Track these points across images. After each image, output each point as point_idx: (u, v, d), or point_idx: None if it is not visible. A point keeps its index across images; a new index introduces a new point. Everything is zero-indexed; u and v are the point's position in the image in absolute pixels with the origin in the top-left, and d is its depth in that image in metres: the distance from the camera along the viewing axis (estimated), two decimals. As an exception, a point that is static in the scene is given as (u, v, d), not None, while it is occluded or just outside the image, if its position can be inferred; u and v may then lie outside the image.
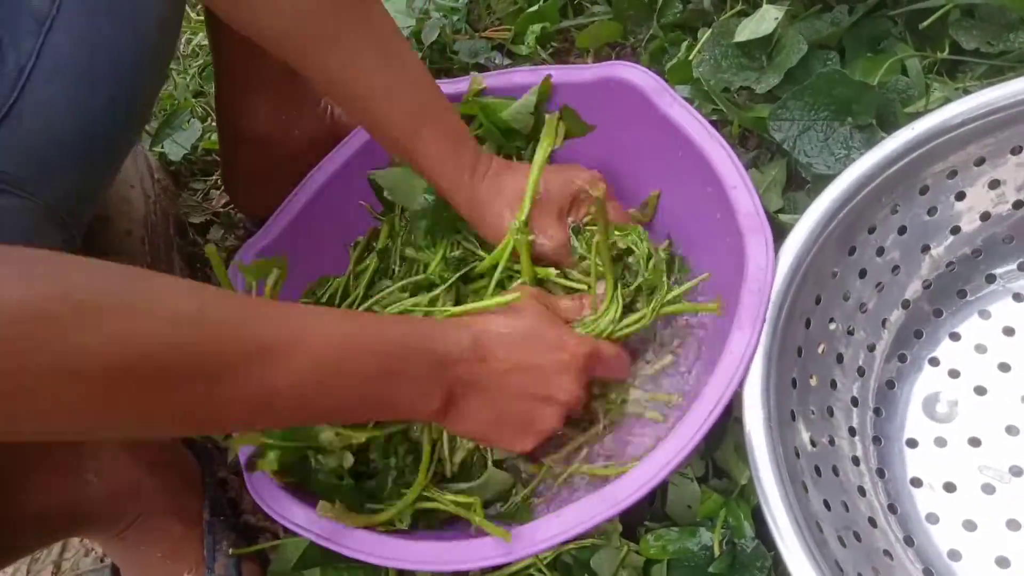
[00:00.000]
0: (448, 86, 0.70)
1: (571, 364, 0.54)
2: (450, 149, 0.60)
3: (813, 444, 0.55)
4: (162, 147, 0.92)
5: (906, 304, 0.62)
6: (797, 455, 0.53)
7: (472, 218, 0.64)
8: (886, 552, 0.54)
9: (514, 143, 0.69)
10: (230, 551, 0.65)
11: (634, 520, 0.59)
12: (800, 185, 0.70)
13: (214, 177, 0.92)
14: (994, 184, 0.60)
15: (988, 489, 0.56)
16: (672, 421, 0.61)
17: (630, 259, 0.64)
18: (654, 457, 0.52)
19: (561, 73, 0.68)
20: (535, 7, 0.86)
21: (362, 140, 0.72)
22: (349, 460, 0.59)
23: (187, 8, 1.04)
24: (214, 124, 0.90)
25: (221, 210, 0.89)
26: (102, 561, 0.75)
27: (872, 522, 0.55)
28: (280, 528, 0.68)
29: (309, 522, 0.56)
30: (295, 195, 0.71)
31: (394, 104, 0.58)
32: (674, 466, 0.51)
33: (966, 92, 0.63)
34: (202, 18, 0.96)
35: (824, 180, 0.58)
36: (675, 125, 0.62)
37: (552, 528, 0.51)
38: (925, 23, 0.68)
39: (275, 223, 0.71)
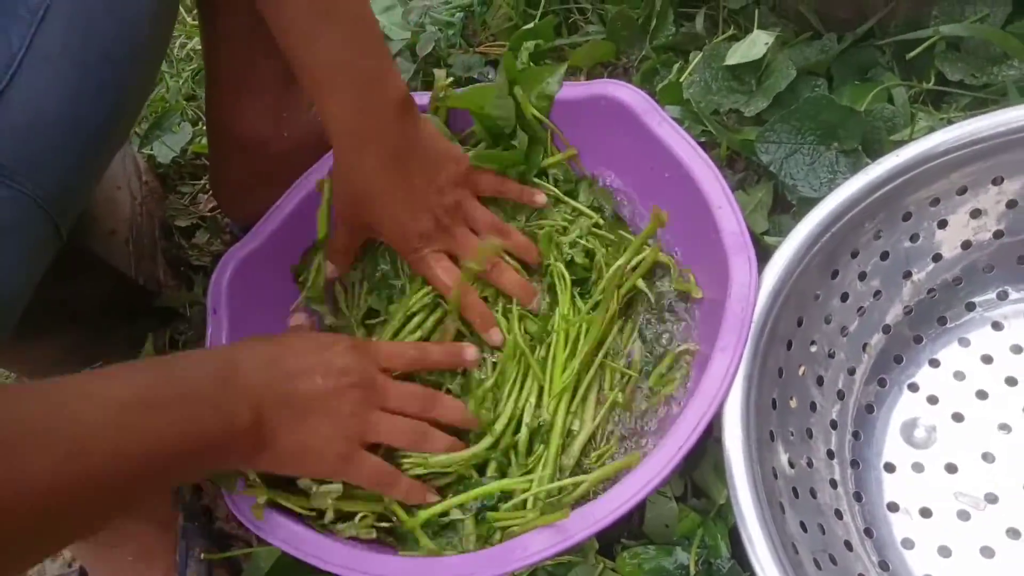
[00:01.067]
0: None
1: (330, 342, 0.55)
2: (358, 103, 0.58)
3: (791, 466, 0.55)
4: (151, 149, 0.91)
5: (887, 329, 0.62)
6: (775, 476, 0.53)
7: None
8: (861, 576, 0.54)
9: (504, 143, 0.68)
10: (202, 556, 0.64)
11: (611, 537, 0.59)
12: (786, 208, 0.70)
13: (202, 181, 0.91)
14: (975, 213, 0.60)
15: (963, 516, 0.56)
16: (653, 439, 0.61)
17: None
18: (634, 476, 0.52)
19: None
20: (530, 24, 0.87)
21: None
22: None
23: (182, 12, 1.04)
24: (205, 128, 0.90)
25: (208, 214, 0.89)
26: (70, 567, 0.74)
27: (848, 545, 0.55)
28: (253, 537, 0.67)
29: (290, 537, 0.56)
30: (283, 201, 0.71)
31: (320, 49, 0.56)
32: (655, 485, 0.51)
33: (950, 122, 0.64)
34: (197, 22, 0.96)
35: (809, 203, 0.59)
36: (663, 144, 0.62)
37: (533, 545, 0.51)
38: (912, 54, 0.70)
39: (262, 228, 0.70)
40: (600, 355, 0.62)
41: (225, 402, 0.49)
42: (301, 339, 0.57)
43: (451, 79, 0.70)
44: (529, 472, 0.59)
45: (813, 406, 0.59)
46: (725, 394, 0.52)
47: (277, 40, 0.58)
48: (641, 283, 0.63)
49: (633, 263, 0.64)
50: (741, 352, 0.53)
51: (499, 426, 0.60)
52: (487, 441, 0.60)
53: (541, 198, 0.68)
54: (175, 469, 0.47)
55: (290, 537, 0.56)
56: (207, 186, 0.91)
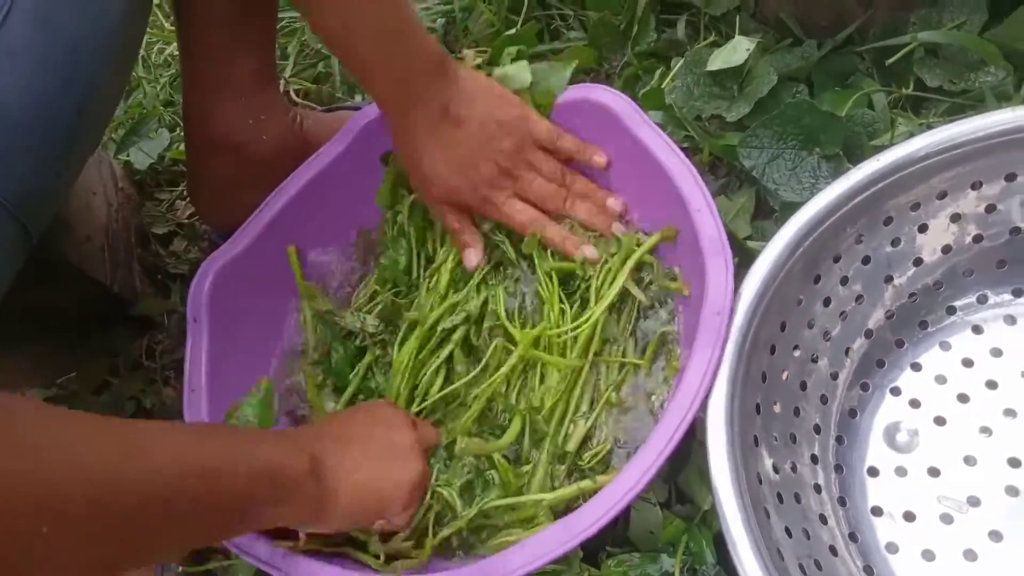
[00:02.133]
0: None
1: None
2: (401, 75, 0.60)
3: (776, 471, 0.55)
4: (128, 155, 0.90)
5: (869, 333, 0.62)
6: (760, 481, 0.53)
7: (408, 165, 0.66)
8: (846, 581, 0.54)
9: None
10: (180, 570, 0.63)
11: (596, 545, 0.59)
12: (768, 213, 0.71)
13: (180, 188, 0.90)
14: (955, 218, 0.61)
15: (946, 519, 0.56)
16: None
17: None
18: (617, 483, 0.51)
19: None
20: (512, 30, 0.87)
21: (335, 152, 0.71)
22: None
23: (160, 17, 1.03)
24: (182, 133, 0.89)
25: (185, 221, 0.87)
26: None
27: (833, 551, 0.55)
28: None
29: (269, 556, 0.55)
30: (263, 208, 0.70)
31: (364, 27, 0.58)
32: (637, 491, 0.50)
33: (930, 127, 0.65)
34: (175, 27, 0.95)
35: (792, 208, 0.59)
36: (645, 147, 0.62)
37: (518, 559, 0.51)
38: (891, 60, 0.70)
39: (242, 236, 0.69)
40: (591, 354, 0.62)
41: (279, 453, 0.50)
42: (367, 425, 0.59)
43: (480, 59, 0.70)
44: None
45: (797, 411, 0.59)
46: (705, 396, 0.52)
47: (315, 30, 0.59)
48: (631, 285, 0.63)
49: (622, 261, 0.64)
50: (719, 356, 0.53)
51: (511, 433, 0.61)
52: (505, 440, 0.61)
53: (600, 158, 0.67)
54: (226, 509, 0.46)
55: (270, 557, 0.55)
56: (184, 193, 0.89)
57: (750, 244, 0.66)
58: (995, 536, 0.55)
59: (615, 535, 0.59)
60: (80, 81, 0.47)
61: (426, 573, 0.56)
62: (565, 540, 0.50)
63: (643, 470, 0.50)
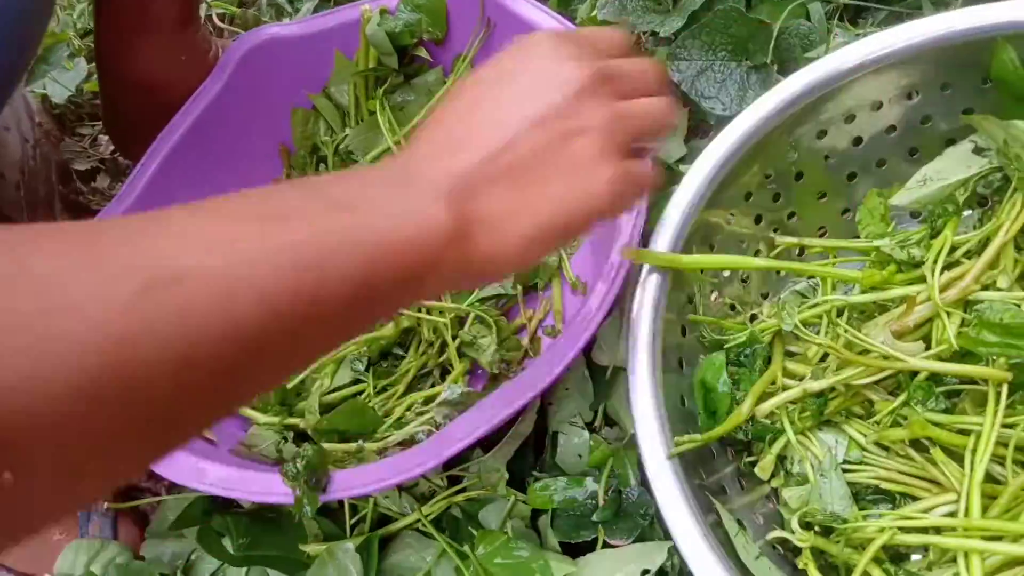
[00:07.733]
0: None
1: (577, 76, 0.38)
2: None
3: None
4: (44, 88, 0.86)
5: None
6: (683, 404, 0.52)
7: None
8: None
9: None
10: (106, 508, 0.62)
11: (523, 470, 0.58)
12: (704, 133, 0.68)
13: (101, 123, 0.86)
14: (890, 130, 0.59)
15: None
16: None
17: None
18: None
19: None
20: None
21: (213, 91, 0.69)
22: None
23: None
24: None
25: (108, 157, 0.84)
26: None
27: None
28: (162, 488, 0.65)
29: (200, 475, 0.53)
30: (146, 159, 0.67)
31: None
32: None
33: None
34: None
35: (725, 124, 0.57)
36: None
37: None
38: (830, -33, 0.67)
39: (129, 190, 0.66)
40: None
41: (399, 206, 0.33)
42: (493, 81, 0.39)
43: None
44: None
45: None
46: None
47: None
48: None
49: None
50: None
51: None
52: None
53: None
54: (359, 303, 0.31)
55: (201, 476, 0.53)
56: (106, 127, 0.86)
57: (682, 168, 0.64)
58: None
59: (542, 462, 0.59)
60: None
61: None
62: (466, 434, 0.50)
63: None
